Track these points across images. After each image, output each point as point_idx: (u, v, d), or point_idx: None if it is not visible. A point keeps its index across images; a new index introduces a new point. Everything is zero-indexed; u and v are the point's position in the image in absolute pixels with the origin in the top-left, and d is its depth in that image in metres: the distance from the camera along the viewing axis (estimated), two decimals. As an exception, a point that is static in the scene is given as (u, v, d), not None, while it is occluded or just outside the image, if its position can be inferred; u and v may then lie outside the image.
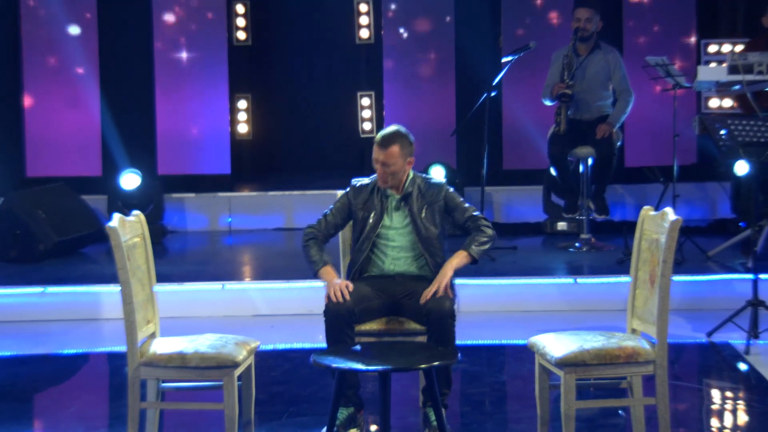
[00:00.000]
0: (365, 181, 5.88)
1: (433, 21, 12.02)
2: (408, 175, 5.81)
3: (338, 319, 5.55)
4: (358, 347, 5.37)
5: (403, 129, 5.78)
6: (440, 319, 5.54)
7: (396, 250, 5.80)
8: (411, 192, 5.79)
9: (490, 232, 5.75)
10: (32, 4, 11.75)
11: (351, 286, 5.65)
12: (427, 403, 5.69)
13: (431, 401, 5.31)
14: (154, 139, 11.87)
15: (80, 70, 11.77)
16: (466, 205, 5.84)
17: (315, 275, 5.78)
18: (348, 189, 5.88)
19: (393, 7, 12.07)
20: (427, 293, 5.59)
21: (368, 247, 5.78)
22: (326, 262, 5.76)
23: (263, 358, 7.22)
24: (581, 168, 9.88)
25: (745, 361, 7.13)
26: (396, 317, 5.73)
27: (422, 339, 5.67)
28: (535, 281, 8.68)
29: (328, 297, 5.61)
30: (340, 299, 5.56)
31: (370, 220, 5.78)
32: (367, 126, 12.53)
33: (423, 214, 5.76)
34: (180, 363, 5.23)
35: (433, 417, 5.54)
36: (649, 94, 10.89)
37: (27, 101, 11.80)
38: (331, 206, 5.88)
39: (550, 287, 8.65)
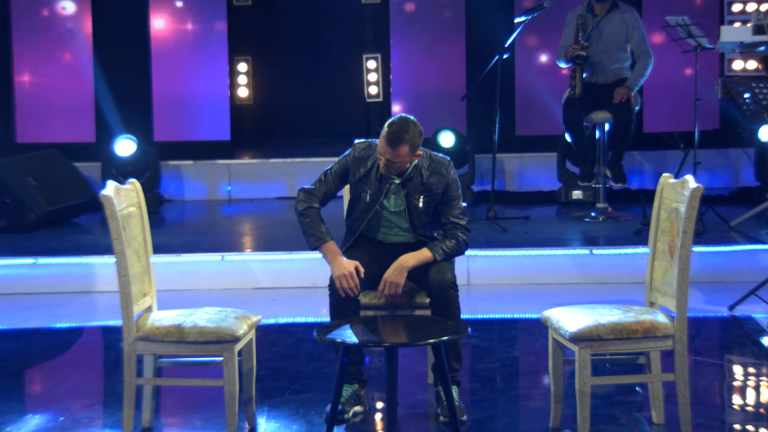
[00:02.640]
0: (368, 149, 5.73)
1: (443, -21, 11.99)
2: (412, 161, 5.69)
3: (344, 296, 5.55)
4: (363, 321, 5.38)
5: (413, 122, 5.58)
6: (442, 290, 5.55)
7: (392, 223, 5.77)
8: (412, 177, 5.67)
9: (463, 246, 5.68)
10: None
11: (361, 269, 5.61)
12: (439, 381, 5.68)
13: (441, 379, 5.32)
14: (150, 103, 11.87)
15: (72, 32, 11.75)
16: (459, 203, 5.71)
17: (313, 249, 5.70)
18: (350, 153, 5.76)
19: (400, -36, 12.03)
20: (381, 291, 5.61)
21: (360, 226, 5.75)
22: (325, 239, 5.66)
23: (265, 332, 7.24)
24: (597, 134, 9.87)
25: (768, 335, 7.14)
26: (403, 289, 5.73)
27: (428, 312, 5.68)
28: (549, 252, 8.68)
29: (333, 278, 5.59)
30: (351, 293, 5.54)
31: (367, 200, 5.71)
32: (373, 90, 12.51)
33: (420, 203, 5.68)
34: (178, 337, 5.25)
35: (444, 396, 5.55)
36: (669, 56, 10.86)
37: (17, 64, 11.78)
38: (330, 167, 5.77)
39: (564, 259, 8.65)
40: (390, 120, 5.59)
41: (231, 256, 8.76)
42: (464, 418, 5.56)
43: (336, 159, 5.81)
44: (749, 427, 5.59)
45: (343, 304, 5.57)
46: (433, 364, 5.81)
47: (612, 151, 9.90)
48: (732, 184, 11.39)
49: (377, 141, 5.66)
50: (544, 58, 11.45)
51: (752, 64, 10.81)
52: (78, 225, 10.26)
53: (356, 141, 5.81)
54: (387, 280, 5.59)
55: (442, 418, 5.60)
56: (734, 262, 8.54)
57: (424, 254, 5.63)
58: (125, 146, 10.85)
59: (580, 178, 10.23)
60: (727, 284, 8.24)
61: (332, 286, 5.60)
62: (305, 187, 5.76)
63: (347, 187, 5.88)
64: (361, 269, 5.61)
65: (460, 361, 5.76)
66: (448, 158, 5.79)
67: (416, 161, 5.67)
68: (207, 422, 5.68)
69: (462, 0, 11.92)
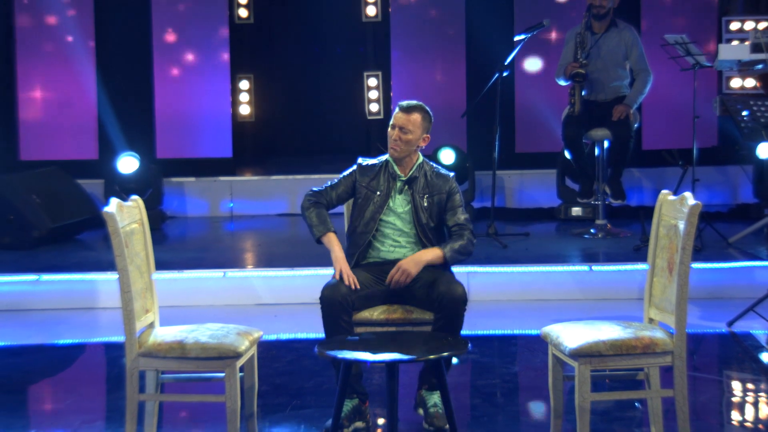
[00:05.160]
0: (373, 161, 5.92)
1: (443, -3, 12.02)
2: (418, 159, 5.85)
3: (334, 307, 5.57)
4: (363, 336, 5.39)
5: (426, 106, 5.91)
6: (453, 304, 5.56)
7: (396, 233, 5.83)
8: (417, 177, 5.83)
9: (471, 246, 5.80)
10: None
11: (357, 283, 5.69)
12: (423, 386, 5.80)
13: (439, 390, 5.33)
14: (153, 121, 11.89)
15: (76, 50, 11.78)
16: (462, 209, 5.86)
17: (317, 241, 5.81)
18: (355, 166, 5.91)
19: (401, -17, 12.07)
20: (392, 275, 5.66)
21: (373, 228, 5.80)
22: (330, 229, 5.78)
23: (266, 348, 7.24)
24: (597, 151, 9.88)
25: (767, 351, 7.13)
26: (402, 305, 5.74)
27: (429, 329, 5.68)
28: (549, 269, 8.68)
29: (325, 285, 5.64)
30: (352, 285, 5.61)
31: (375, 200, 5.81)
32: (374, 107, 12.53)
33: (425, 202, 5.79)
34: (180, 353, 5.25)
35: (431, 402, 5.70)
36: (668, 74, 10.87)
37: (20, 82, 11.81)
38: (336, 179, 5.90)
39: (564, 275, 8.65)
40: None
41: (233, 273, 8.76)
42: (447, 426, 5.55)
43: (338, 175, 5.92)
44: (748, 443, 5.59)
45: (336, 316, 5.59)
46: (421, 371, 5.84)
47: (611, 168, 9.91)
48: (730, 201, 11.40)
49: (379, 156, 5.91)
50: (543, 75, 11.47)
51: (750, 82, 10.82)
52: (81, 241, 10.26)
53: (359, 159, 5.96)
54: (401, 267, 5.65)
55: (426, 426, 5.69)
56: (733, 278, 8.54)
57: (436, 252, 5.72)
58: (128, 163, 10.87)
59: (579, 194, 10.23)
60: (726, 300, 8.24)
61: (323, 299, 5.62)
62: (312, 189, 5.88)
63: (346, 207, 5.96)
64: (357, 284, 5.66)
65: (448, 367, 5.82)
66: (452, 173, 5.95)
67: (421, 159, 5.86)
68: (209, 438, 5.69)
69: (462, 18, 11.94)
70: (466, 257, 5.80)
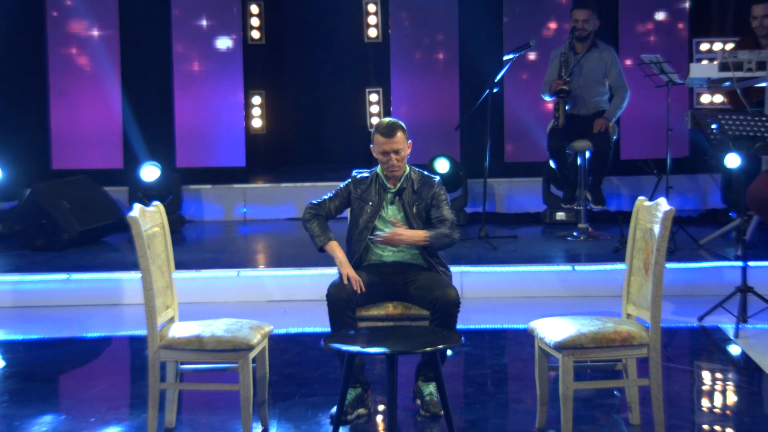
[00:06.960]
0: (365, 174, 5.91)
1: (438, 20, 12.01)
2: (405, 169, 5.83)
3: (340, 304, 5.58)
4: (366, 330, 5.39)
5: (393, 118, 5.86)
6: (447, 307, 5.57)
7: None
8: (405, 188, 5.80)
9: (454, 234, 5.72)
10: (57, 3, 11.78)
11: (362, 286, 5.68)
12: (420, 378, 5.80)
13: (435, 381, 5.34)
14: (173, 133, 11.89)
15: (103, 68, 11.79)
16: (447, 207, 5.80)
17: (320, 250, 5.80)
18: (349, 180, 5.90)
19: (400, 7, 12.06)
20: (385, 238, 5.62)
21: (366, 237, 5.79)
22: (330, 237, 5.77)
23: (276, 341, 7.24)
24: (579, 161, 9.88)
25: (734, 344, 7.13)
26: (402, 302, 5.74)
27: (426, 323, 5.68)
28: (535, 269, 8.68)
29: (331, 284, 5.63)
30: (358, 289, 5.60)
31: (368, 210, 5.79)
32: (375, 121, 12.51)
33: (414, 210, 5.77)
34: (197, 346, 5.25)
35: (426, 391, 5.71)
36: (644, 90, 10.87)
37: (52, 97, 11.81)
38: (332, 192, 5.89)
39: (549, 274, 8.65)
40: (375, 126, 5.83)
41: (246, 272, 8.75)
42: (442, 413, 5.55)
43: (341, 182, 5.91)
44: (717, 428, 5.58)
45: (341, 312, 5.59)
46: (419, 363, 5.83)
47: (592, 177, 9.91)
48: (701, 206, 11.39)
49: (370, 169, 5.89)
50: (530, 92, 11.47)
51: (718, 98, 10.82)
52: (107, 244, 10.26)
53: (353, 172, 5.93)
54: (394, 236, 5.60)
55: (422, 412, 5.68)
56: (703, 277, 8.54)
57: (420, 235, 5.66)
58: (150, 172, 10.87)
59: (563, 200, 10.23)
60: (697, 297, 8.23)
61: (329, 296, 5.62)
62: (312, 202, 5.85)
63: (348, 212, 5.93)
64: (363, 287, 5.64)
65: (443, 360, 5.81)
66: (438, 177, 5.91)
67: (408, 170, 5.83)
68: (224, 423, 5.67)
69: (456, 39, 11.95)
70: (447, 243, 5.69)
